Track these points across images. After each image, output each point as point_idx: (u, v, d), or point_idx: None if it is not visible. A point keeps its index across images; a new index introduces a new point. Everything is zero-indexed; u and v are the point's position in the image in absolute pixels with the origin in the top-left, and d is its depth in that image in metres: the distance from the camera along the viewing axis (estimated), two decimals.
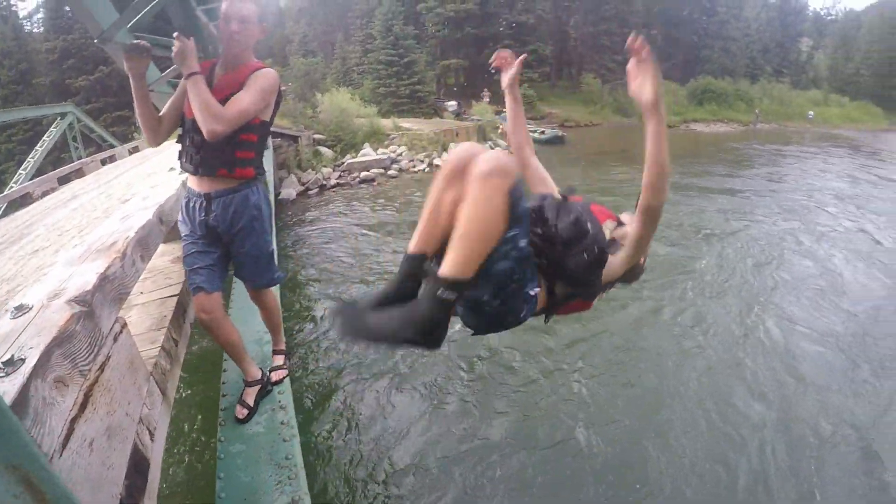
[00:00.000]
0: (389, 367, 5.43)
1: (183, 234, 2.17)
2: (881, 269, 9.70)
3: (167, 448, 3.94)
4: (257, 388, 2.50)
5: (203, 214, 2.08)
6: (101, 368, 1.16)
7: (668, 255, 9.63)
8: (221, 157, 2.00)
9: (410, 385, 5.22)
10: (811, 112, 39.20)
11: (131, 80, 1.94)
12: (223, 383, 2.64)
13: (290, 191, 13.67)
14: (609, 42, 35.16)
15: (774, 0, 47.28)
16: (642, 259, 1.43)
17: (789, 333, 6.79)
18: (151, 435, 1.46)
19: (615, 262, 1.33)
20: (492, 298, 1.17)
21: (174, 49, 1.88)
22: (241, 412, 2.40)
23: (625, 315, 6.99)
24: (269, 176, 7.38)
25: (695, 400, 5.19)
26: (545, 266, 1.27)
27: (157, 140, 2.10)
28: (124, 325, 1.39)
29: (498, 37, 32.22)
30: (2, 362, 0.87)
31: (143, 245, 1.78)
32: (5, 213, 6.86)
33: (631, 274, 1.43)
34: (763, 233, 12.15)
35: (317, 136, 16.33)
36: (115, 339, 1.31)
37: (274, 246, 2.36)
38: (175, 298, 2.34)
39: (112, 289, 1.37)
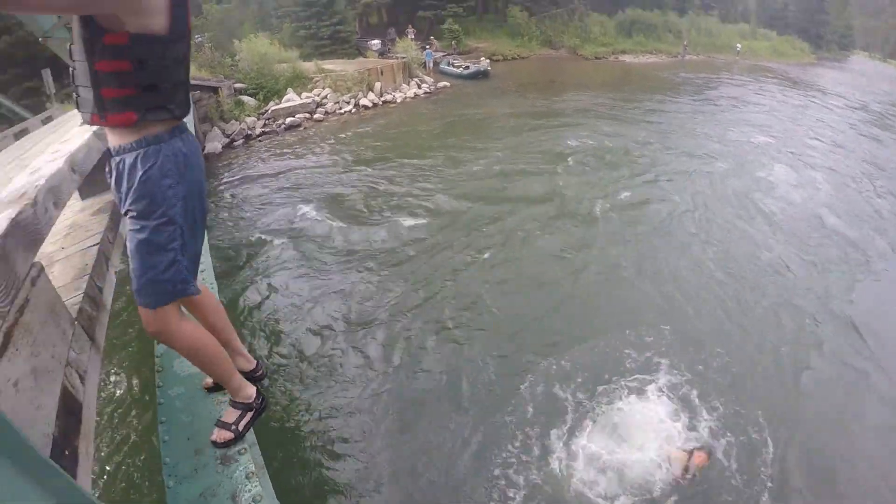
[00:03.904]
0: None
1: None
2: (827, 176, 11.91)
3: (107, 397, 4.86)
4: (249, 414, 1.81)
5: (110, 180, 1.50)
6: (21, 311, 1.20)
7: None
8: (89, 95, 1.36)
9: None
10: (739, 44, 39.88)
11: None
12: None
13: (215, 144, 13.43)
14: None
15: None
16: None
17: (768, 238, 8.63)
18: (82, 378, 1.49)
19: None
20: None
21: None
22: (222, 435, 1.76)
23: (643, 223, 8.87)
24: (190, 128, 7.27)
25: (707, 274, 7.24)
26: None
27: None
28: (41, 270, 1.40)
29: None
30: None
31: (55, 193, 1.73)
32: None
33: None
34: (736, 148, 13.91)
35: (238, 84, 15.91)
36: (34, 284, 1.32)
37: (180, 244, 1.48)
38: (97, 248, 2.30)
39: (24, 234, 1.35)
